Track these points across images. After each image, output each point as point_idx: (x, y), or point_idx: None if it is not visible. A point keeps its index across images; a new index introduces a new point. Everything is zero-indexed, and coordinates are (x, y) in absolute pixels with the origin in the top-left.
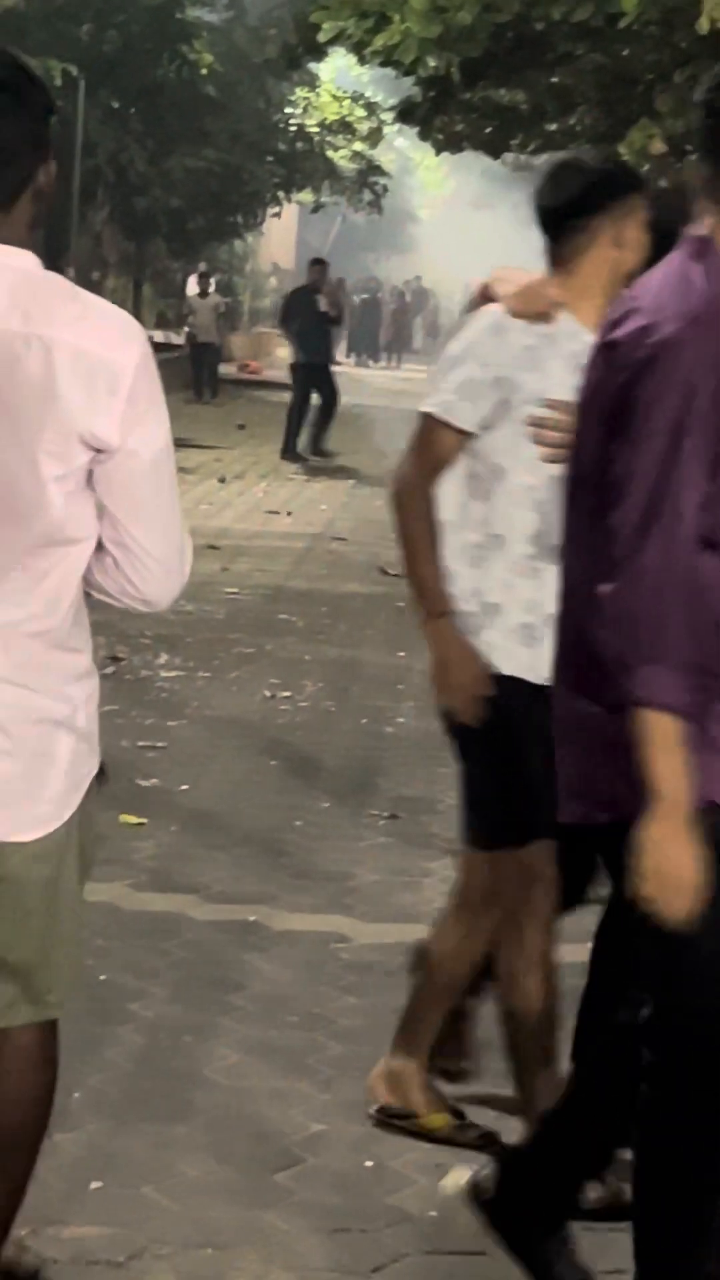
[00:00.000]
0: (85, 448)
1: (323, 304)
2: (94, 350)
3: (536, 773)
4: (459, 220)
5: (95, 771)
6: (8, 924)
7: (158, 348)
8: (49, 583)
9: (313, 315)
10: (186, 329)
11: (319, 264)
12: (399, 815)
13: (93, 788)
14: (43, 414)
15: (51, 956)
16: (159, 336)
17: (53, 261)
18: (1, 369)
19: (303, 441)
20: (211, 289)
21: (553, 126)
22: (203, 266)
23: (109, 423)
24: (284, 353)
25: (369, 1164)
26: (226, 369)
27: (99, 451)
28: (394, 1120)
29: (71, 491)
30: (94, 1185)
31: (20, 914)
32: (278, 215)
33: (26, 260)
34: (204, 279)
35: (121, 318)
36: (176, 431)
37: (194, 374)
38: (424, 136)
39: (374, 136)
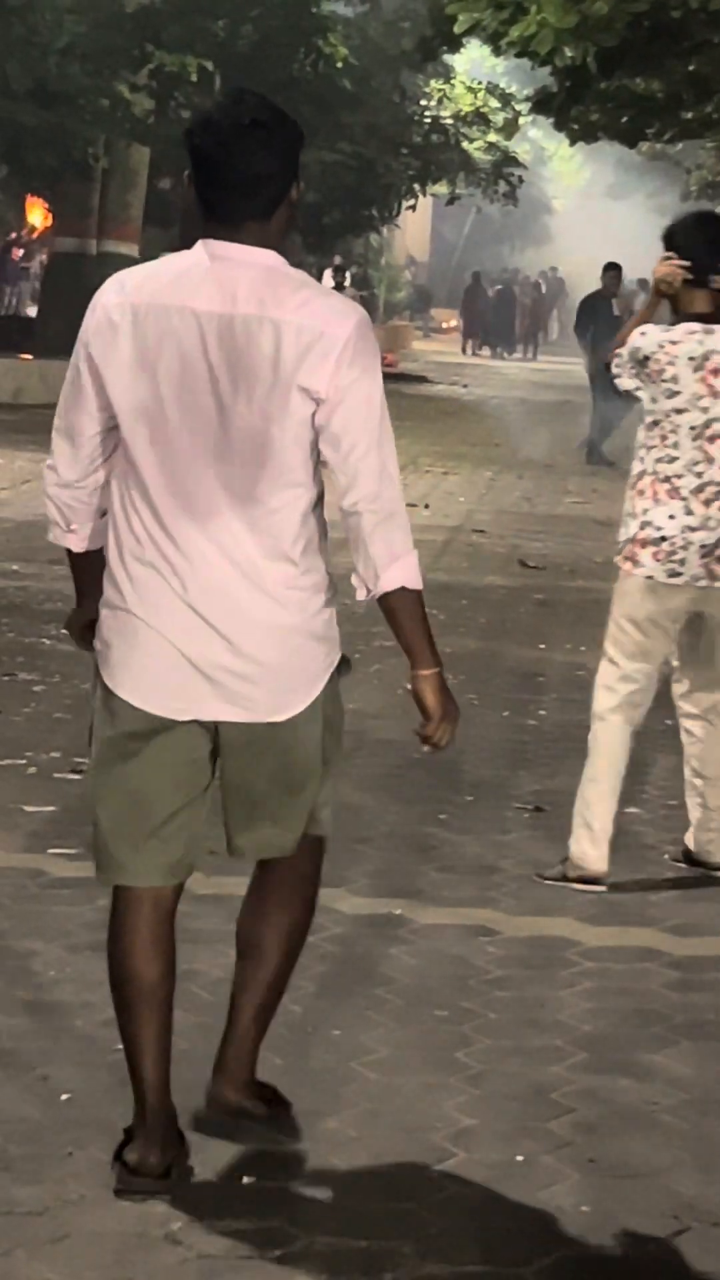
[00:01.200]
0: (306, 399)
1: (617, 309)
2: (312, 326)
3: None
4: (594, 210)
5: (335, 664)
6: (297, 770)
7: None
8: (279, 516)
9: (609, 321)
10: None
11: (613, 269)
12: (543, 808)
13: (334, 675)
14: (272, 376)
15: (323, 787)
16: None
17: None
18: (243, 344)
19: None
20: (347, 283)
21: (689, 114)
22: (337, 260)
23: (321, 379)
24: (419, 345)
25: (520, 1158)
26: None
27: (317, 403)
28: None
29: (296, 439)
30: (246, 1179)
31: (300, 762)
32: (413, 208)
33: (272, 259)
34: (339, 273)
35: (339, 302)
36: None
37: None
38: (559, 127)
39: (509, 128)
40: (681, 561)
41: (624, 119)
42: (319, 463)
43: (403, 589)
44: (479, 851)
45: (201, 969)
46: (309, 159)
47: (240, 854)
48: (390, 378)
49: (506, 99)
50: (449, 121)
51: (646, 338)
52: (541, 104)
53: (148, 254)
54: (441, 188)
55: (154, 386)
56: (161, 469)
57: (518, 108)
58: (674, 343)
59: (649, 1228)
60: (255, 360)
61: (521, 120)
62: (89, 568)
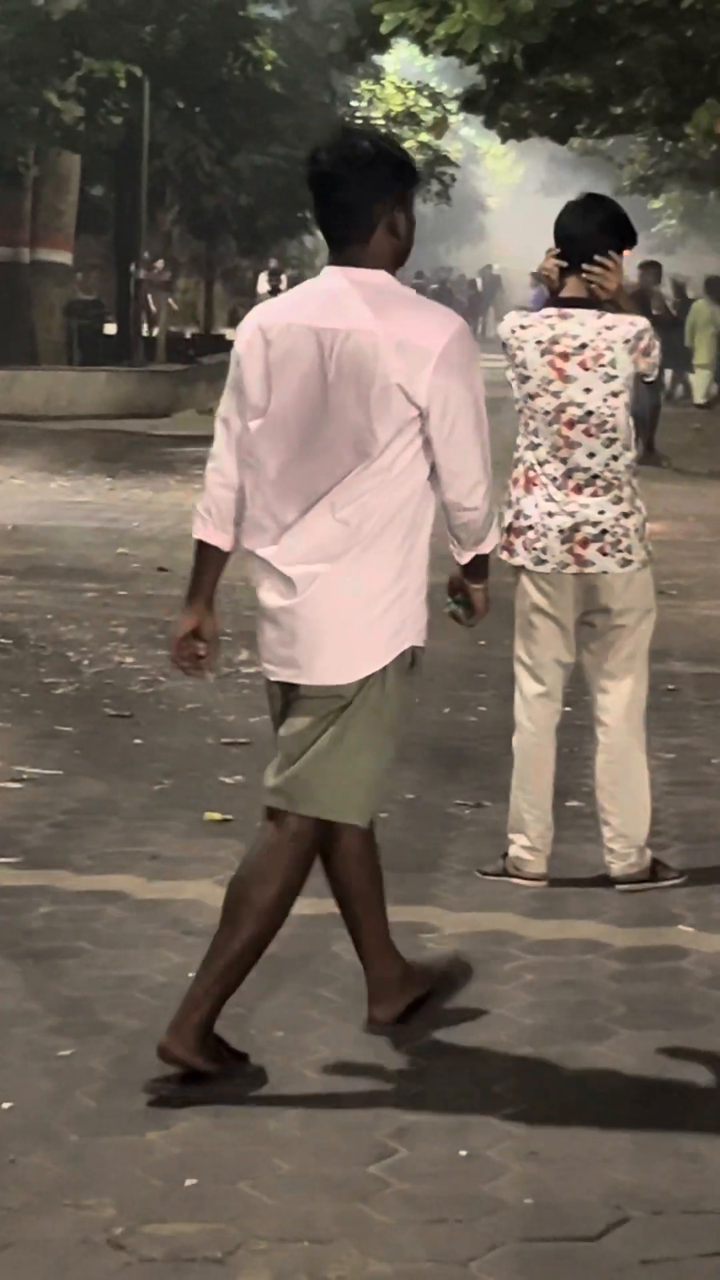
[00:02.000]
0: (408, 404)
1: (655, 307)
2: (412, 339)
3: None
4: (528, 207)
5: (403, 649)
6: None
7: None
8: (367, 498)
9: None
10: None
11: (651, 266)
12: (484, 804)
13: (402, 659)
14: (375, 382)
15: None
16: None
17: (122, 264)
18: (354, 353)
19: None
20: (283, 286)
21: (618, 109)
22: (273, 263)
23: (420, 388)
24: None
25: (463, 1153)
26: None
27: (418, 408)
28: None
29: (395, 437)
30: (189, 1182)
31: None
32: None
33: (379, 278)
34: (274, 276)
35: (439, 315)
36: None
37: None
38: (489, 125)
39: (439, 127)
40: (544, 549)
41: (554, 115)
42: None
43: (477, 555)
44: (421, 848)
45: (143, 973)
46: (240, 162)
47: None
48: None
49: (436, 98)
50: (380, 122)
51: (504, 324)
52: (470, 102)
53: (80, 261)
54: None
55: (280, 394)
56: (277, 464)
57: (447, 107)
58: (524, 327)
59: (592, 1218)
60: (363, 370)
61: (452, 119)
62: (218, 569)
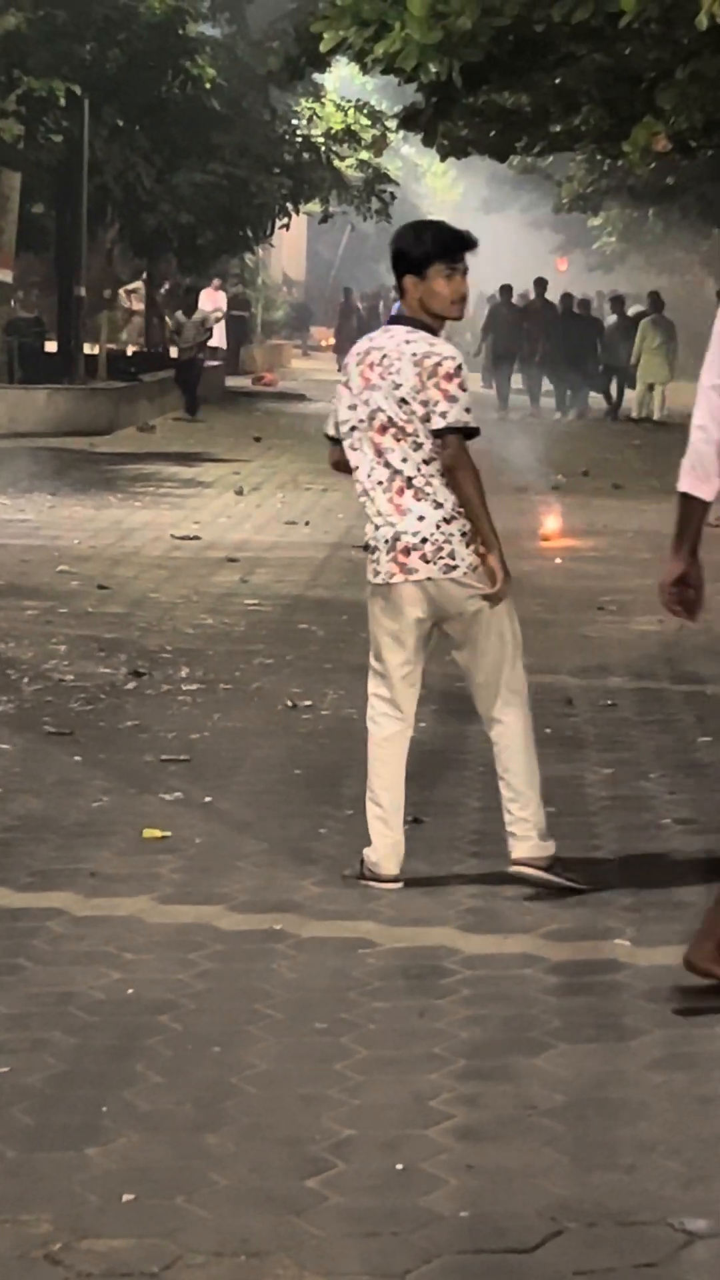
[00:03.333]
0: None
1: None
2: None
3: None
4: (468, 224)
5: None
6: None
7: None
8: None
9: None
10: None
11: (537, 281)
12: (422, 819)
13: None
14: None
15: None
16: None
17: (65, 282)
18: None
19: None
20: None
21: (557, 127)
22: (216, 282)
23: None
24: (298, 364)
25: (399, 1167)
26: (240, 382)
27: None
28: None
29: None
30: (126, 1197)
31: None
32: (286, 227)
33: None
34: (188, 294)
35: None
36: (189, 447)
37: (184, 391)
38: (428, 143)
39: (378, 145)
40: (378, 561)
41: (493, 133)
42: None
43: None
44: (358, 865)
45: (81, 990)
46: (180, 180)
47: None
48: (269, 396)
49: (376, 116)
50: (320, 140)
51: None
52: (409, 120)
53: (21, 280)
54: (315, 206)
55: None
56: None
57: (387, 125)
58: (355, 345)
59: (527, 1230)
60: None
61: (392, 137)
62: (701, 518)
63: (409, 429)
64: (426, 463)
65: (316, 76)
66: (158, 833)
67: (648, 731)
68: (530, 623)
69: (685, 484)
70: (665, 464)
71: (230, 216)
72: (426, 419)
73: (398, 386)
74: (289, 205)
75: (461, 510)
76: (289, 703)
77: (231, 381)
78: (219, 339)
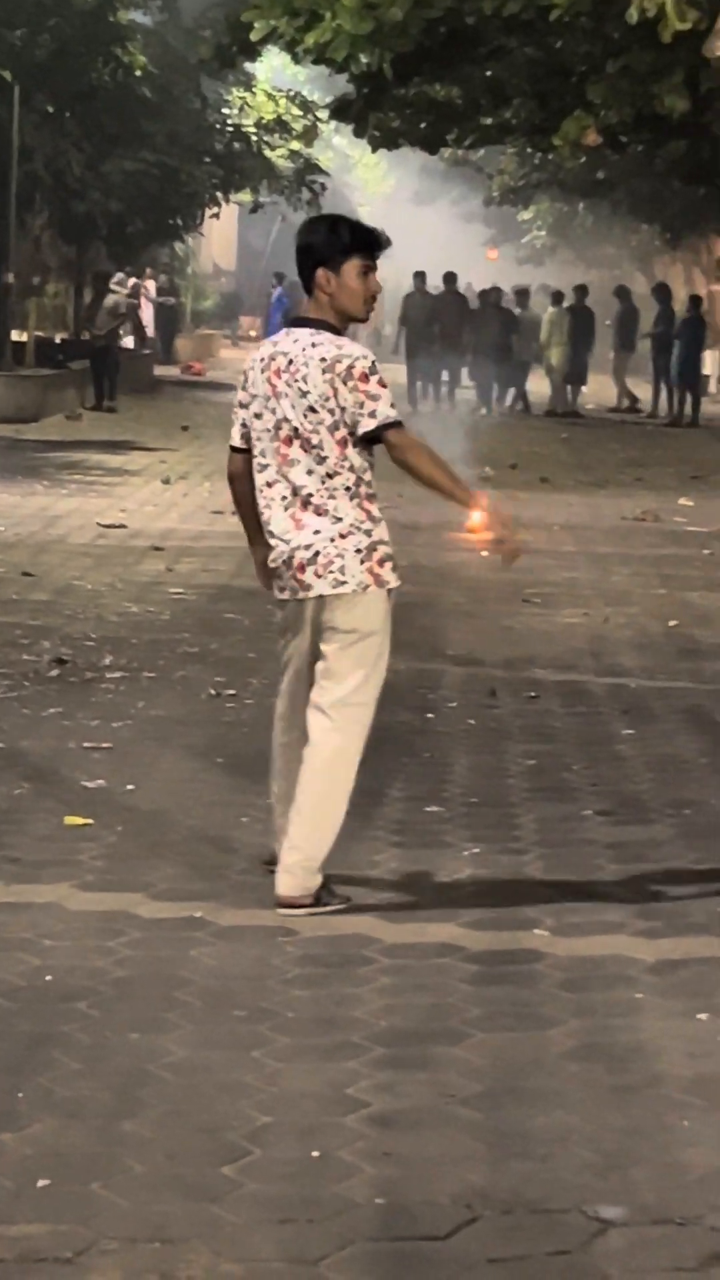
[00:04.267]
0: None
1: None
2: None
3: None
4: (400, 216)
5: None
6: None
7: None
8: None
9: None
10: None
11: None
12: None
13: None
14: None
15: None
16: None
17: None
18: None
19: None
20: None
21: (488, 120)
22: (149, 272)
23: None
24: (228, 353)
25: (315, 1154)
26: (169, 371)
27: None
28: None
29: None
30: (42, 1183)
31: None
32: (216, 216)
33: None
34: (98, 280)
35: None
36: (117, 435)
37: (94, 380)
38: (359, 133)
39: (308, 135)
40: (280, 577)
41: (423, 125)
42: None
43: None
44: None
45: (1, 977)
46: (110, 167)
47: None
48: (198, 386)
49: (307, 106)
50: (251, 129)
51: (250, 355)
52: (340, 111)
53: None
54: (245, 196)
55: None
56: None
57: (318, 115)
58: (258, 348)
59: (442, 1218)
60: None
61: (325, 128)
62: None
63: (314, 440)
64: (330, 476)
65: (248, 65)
66: (79, 820)
67: (571, 723)
68: (455, 614)
69: None
70: (592, 457)
71: (160, 205)
72: (335, 428)
73: (305, 394)
74: (219, 194)
75: (362, 528)
76: (213, 691)
77: (160, 370)
78: (148, 327)
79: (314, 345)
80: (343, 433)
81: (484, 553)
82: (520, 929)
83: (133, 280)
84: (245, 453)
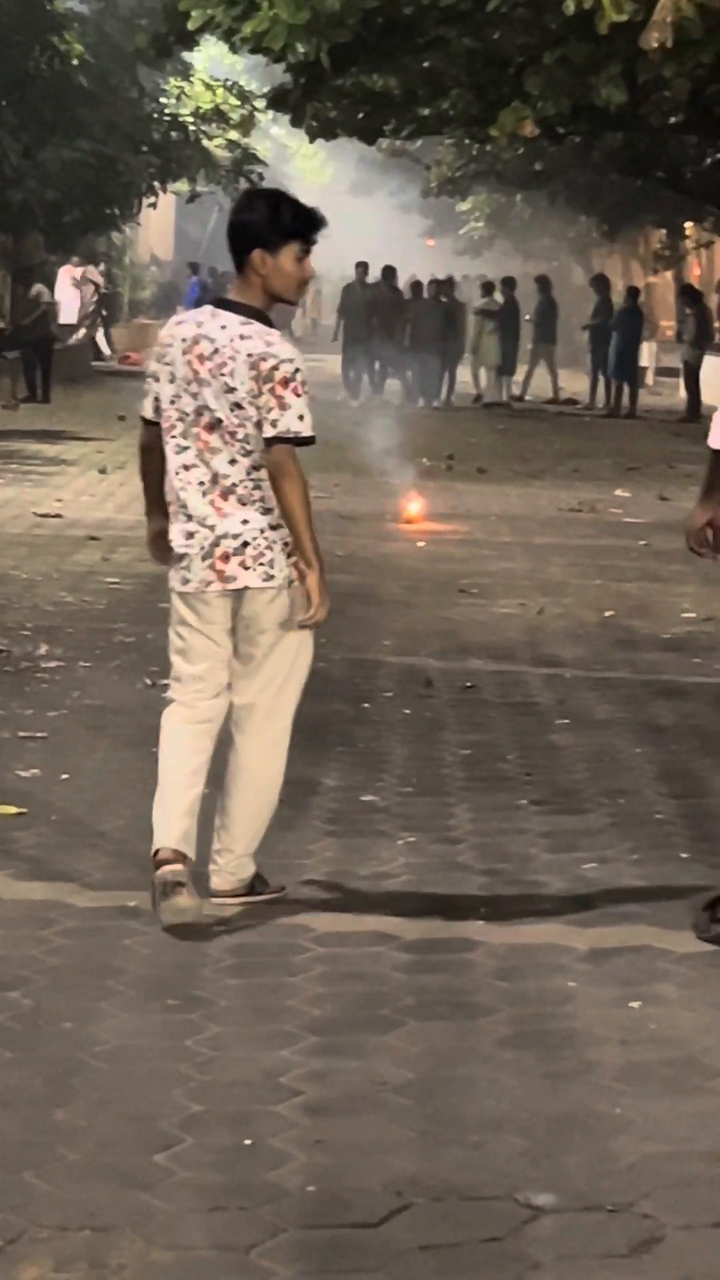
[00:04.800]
0: None
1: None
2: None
3: None
4: (338, 207)
5: None
6: None
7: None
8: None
9: None
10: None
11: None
12: (280, 799)
13: None
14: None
15: None
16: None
17: None
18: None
19: None
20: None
21: (425, 111)
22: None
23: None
24: None
25: (248, 1142)
26: (105, 362)
27: None
28: None
29: None
30: None
31: None
32: (154, 206)
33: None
34: (24, 273)
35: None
36: (53, 425)
37: (25, 371)
38: (296, 123)
39: (245, 124)
40: (188, 568)
41: (361, 115)
42: None
43: None
44: (209, 842)
45: None
46: (47, 156)
47: None
48: (135, 376)
49: (245, 96)
50: (188, 119)
51: (166, 326)
52: (278, 100)
53: None
54: (182, 185)
55: None
56: None
57: (255, 105)
58: (180, 324)
59: (373, 1205)
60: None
61: (263, 118)
62: None
63: (239, 434)
64: (255, 468)
65: (185, 55)
66: (13, 809)
67: (506, 714)
68: (391, 604)
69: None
70: (529, 449)
71: (97, 194)
72: (260, 424)
73: (231, 390)
74: (156, 184)
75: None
76: (148, 681)
77: (97, 360)
78: (70, 315)
79: (243, 337)
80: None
81: (420, 544)
82: (454, 918)
83: (81, 269)
84: (157, 425)
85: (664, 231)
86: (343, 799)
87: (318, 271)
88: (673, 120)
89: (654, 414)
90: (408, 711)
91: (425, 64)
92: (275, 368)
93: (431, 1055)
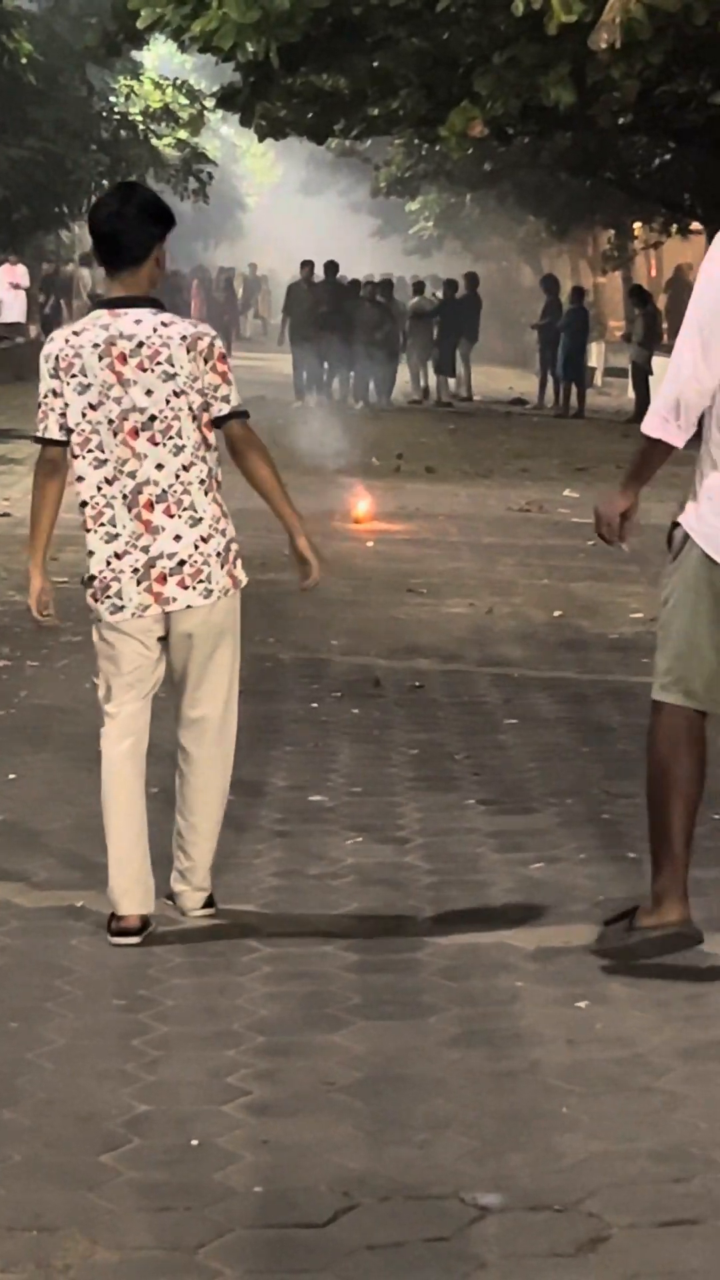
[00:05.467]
0: None
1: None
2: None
3: None
4: (287, 206)
5: None
6: None
7: None
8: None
9: None
10: None
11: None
12: (229, 798)
13: None
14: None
15: None
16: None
17: None
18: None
19: None
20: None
21: (375, 110)
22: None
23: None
24: None
25: (194, 1142)
26: None
27: None
28: None
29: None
30: None
31: None
32: None
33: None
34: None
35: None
36: (1, 424)
37: None
38: (245, 123)
39: (194, 123)
40: (119, 594)
41: (310, 115)
42: None
43: None
44: (162, 844)
45: None
46: None
47: None
48: None
49: (194, 95)
50: (138, 117)
51: (53, 342)
52: (227, 100)
53: None
54: None
55: None
56: None
57: (205, 104)
58: (76, 334)
59: (320, 1204)
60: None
61: (213, 118)
62: (661, 464)
63: (173, 429)
64: (186, 469)
65: (135, 54)
66: None
67: (454, 713)
68: (340, 604)
69: (658, 430)
70: (478, 449)
71: (46, 192)
72: (203, 409)
73: (172, 376)
74: (106, 182)
75: (218, 527)
76: (96, 680)
77: None
78: (17, 314)
79: (165, 325)
80: (207, 416)
81: (369, 543)
82: (402, 917)
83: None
84: (58, 445)
85: (613, 232)
86: (291, 799)
87: (267, 272)
88: (622, 121)
89: (603, 414)
90: (356, 711)
91: (375, 64)
92: (211, 345)
93: (378, 1055)
